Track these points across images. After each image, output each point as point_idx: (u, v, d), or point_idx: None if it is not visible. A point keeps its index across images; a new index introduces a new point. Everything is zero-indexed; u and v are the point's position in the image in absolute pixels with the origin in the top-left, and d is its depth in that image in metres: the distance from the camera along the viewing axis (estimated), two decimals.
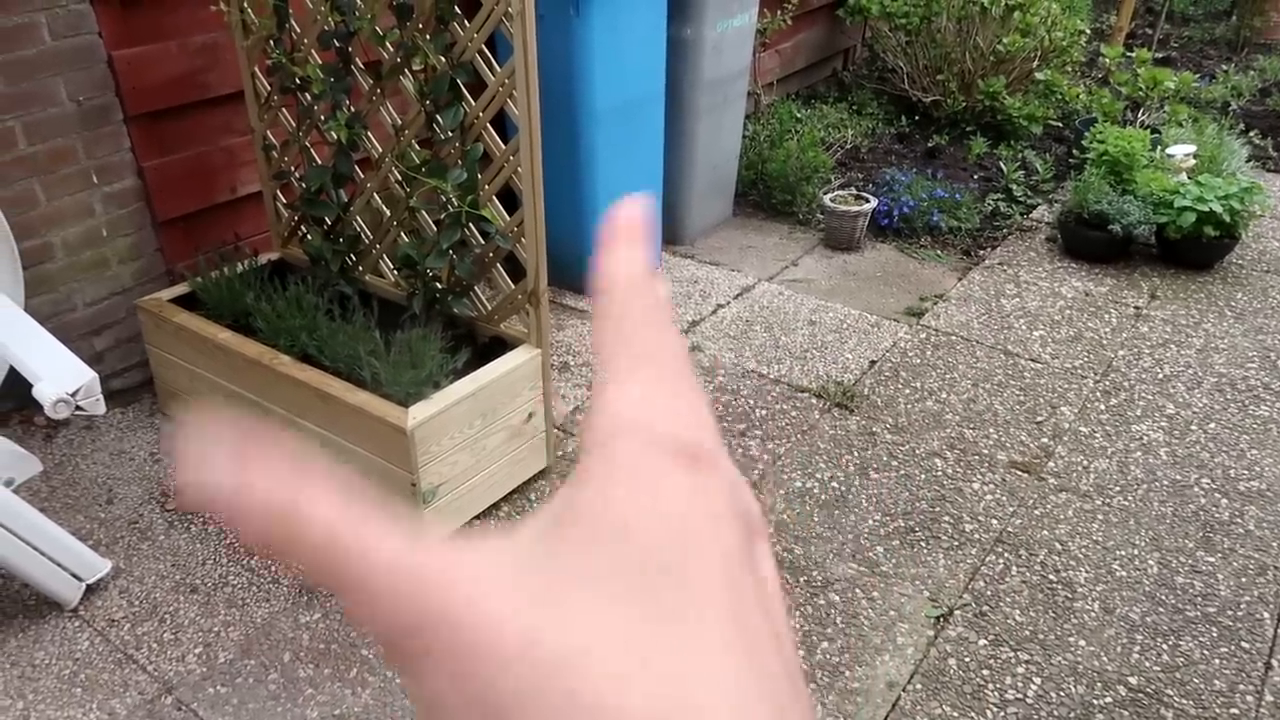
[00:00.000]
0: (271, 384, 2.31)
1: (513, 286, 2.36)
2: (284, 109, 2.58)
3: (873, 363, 3.06)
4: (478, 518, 2.35)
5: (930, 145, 4.67)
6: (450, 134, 2.25)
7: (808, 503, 2.45)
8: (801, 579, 2.21)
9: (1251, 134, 4.84)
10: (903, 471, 2.57)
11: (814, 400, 2.86)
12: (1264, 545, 2.33)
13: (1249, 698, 1.94)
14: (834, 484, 2.52)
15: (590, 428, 0.25)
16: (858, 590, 2.19)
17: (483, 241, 2.33)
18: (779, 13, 4.33)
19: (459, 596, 0.21)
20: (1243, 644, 2.07)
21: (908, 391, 2.91)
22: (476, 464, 2.27)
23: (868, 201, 3.78)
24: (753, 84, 4.34)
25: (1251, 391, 2.94)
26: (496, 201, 2.31)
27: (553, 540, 0.23)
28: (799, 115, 4.75)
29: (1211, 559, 2.29)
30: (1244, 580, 2.23)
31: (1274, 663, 2.02)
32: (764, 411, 2.80)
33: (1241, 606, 2.16)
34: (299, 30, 2.42)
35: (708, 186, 3.79)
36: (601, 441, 0.24)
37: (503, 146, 2.23)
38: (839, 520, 2.39)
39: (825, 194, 3.88)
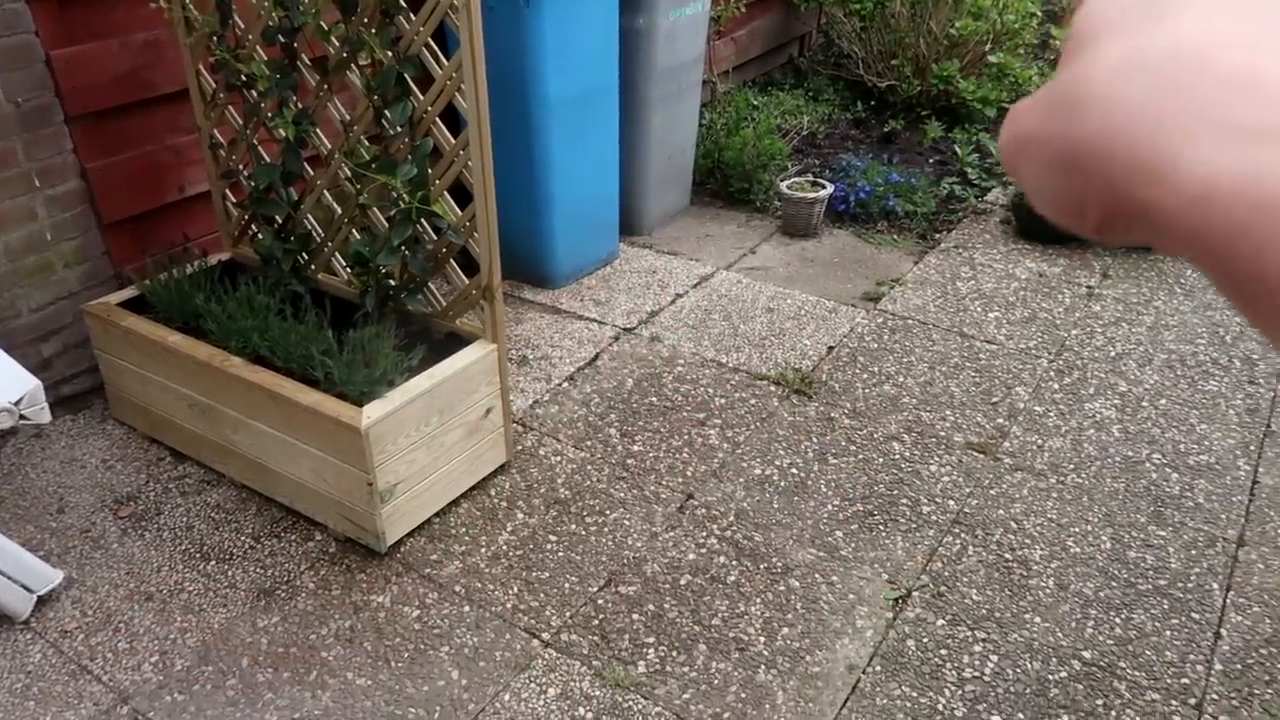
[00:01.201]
0: (223, 386, 2.29)
1: (467, 282, 2.34)
2: (230, 107, 2.55)
3: (831, 348, 3.08)
4: (437, 515, 2.34)
5: (886, 130, 4.70)
6: (399, 129, 2.23)
7: (767, 490, 2.46)
8: (761, 566, 2.22)
9: None
10: (861, 456, 2.59)
11: (773, 388, 2.88)
12: (1213, 518, 2.38)
13: (1199, 667, 1.99)
14: (793, 470, 2.53)
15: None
16: (817, 575, 2.21)
17: (435, 237, 2.31)
18: (732, 0, 4.33)
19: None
20: (1193, 615, 2.11)
21: (865, 376, 2.93)
22: (434, 461, 2.26)
23: (824, 188, 3.80)
24: (708, 72, 4.33)
25: (1200, 367, 2.99)
26: (448, 196, 2.29)
27: None
28: (755, 103, 4.76)
29: (1163, 533, 2.34)
30: (1194, 553, 2.28)
31: (1223, 632, 2.07)
32: (723, 400, 2.81)
33: (1191, 578, 2.21)
34: (243, 26, 2.39)
35: (664, 176, 3.79)
36: None
37: (452, 140, 2.22)
38: (798, 506, 2.41)
39: (782, 181, 3.90)
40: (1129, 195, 0.25)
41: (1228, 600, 2.15)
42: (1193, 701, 1.91)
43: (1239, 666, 1.99)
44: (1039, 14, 4.94)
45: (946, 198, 4.10)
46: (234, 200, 2.73)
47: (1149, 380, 2.93)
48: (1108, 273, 3.56)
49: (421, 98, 2.21)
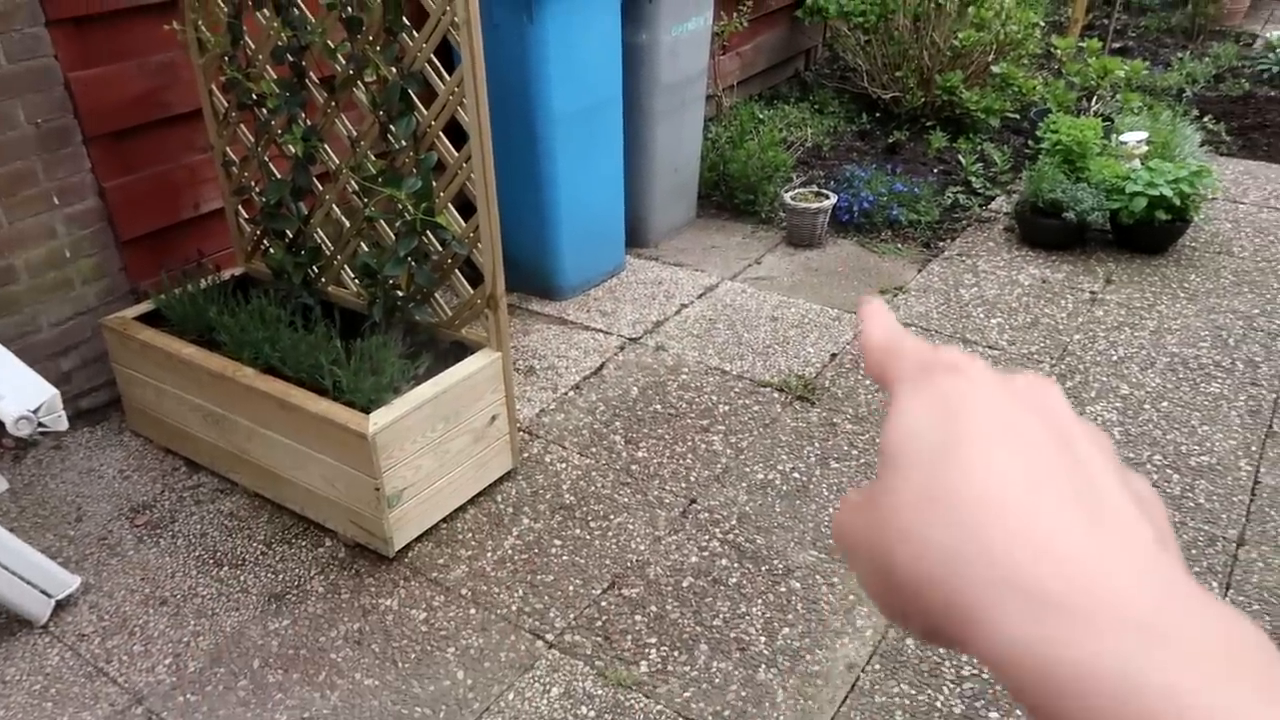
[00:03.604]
0: (236, 396, 2.34)
1: (472, 291, 2.40)
2: (242, 125, 2.62)
3: (834, 356, 3.11)
4: (444, 520, 2.38)
5: (890, 141, 4.74)
6: (404, 143, 2.29)
7: (769, 494, 2.49)
8: (763, 568, 2.25)
9: (1205, 119, 4.93)
10: (863, 460, 2.62)
11: (776, 394, 2.91)
12: (1213, 517, 2.39)
13: None
14: (795, 475, 2.56)
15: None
16: (818, 577, 2.23)
17: (440, 248, 2.37)
18: (735, 15, 4.39)
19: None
20: None
21: (868, 382, 2.96)
22: (441, 467, 2.31)
23: (828, 198, 3.84)
24: (713, 86, 4.39)
25: (1203, 370, 3.00)
26: (452, 208, 2.35)
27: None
28: (761, 116, 4.81)
29: None
30: (1194, 552, 2.29)
31: None
32: (727, 407, 2.85)
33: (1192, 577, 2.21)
34: (253, 46, 2.46)
35: (670, 189, 3.84)
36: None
37: (456, 154, 2.27)
38: (800, 510, 2.44)
39: (786, 192, 3.94)
40: (945, 631, 0.28)
41: (1227, 599, 2.16)
42: None
43: None
44: (1042, 24, 4.98)
45: (950, 206, 4.13)
46: (246, 216, 2.80)
47: (1151, 383, 2.94)
48: (1110, 278, 3.58)
49: (425, 112, 2.27)
